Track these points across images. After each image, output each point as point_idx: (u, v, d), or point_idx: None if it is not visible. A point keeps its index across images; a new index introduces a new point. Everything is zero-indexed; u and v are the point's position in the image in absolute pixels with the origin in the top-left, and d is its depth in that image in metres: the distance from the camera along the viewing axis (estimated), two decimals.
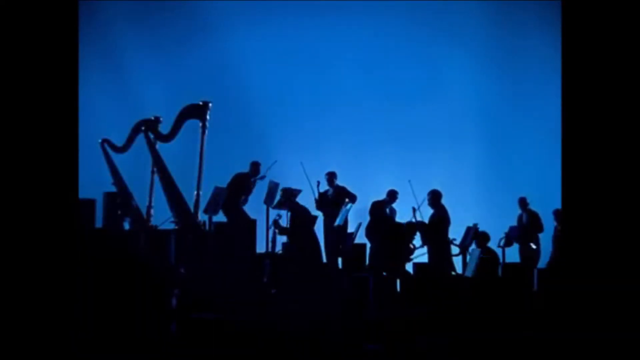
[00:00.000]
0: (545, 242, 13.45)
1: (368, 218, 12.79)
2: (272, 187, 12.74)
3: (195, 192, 12.55)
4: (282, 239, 12.50)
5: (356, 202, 12.71)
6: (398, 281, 11.16)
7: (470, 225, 12.53)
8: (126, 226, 11.75)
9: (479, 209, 13.03)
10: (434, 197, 12.56)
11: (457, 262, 12.43)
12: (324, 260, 12.42)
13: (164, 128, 12.93)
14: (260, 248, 12.31)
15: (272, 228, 12.37)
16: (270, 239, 12.42)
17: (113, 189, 12.61)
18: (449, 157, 16.06)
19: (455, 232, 12.61)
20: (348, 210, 12.45)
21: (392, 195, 12.86)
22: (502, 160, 16.18)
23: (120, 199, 10.89)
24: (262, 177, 12.90)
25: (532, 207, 13.56)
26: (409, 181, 12.53)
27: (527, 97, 15.66)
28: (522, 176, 15.80)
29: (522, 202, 13.55)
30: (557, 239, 13.11)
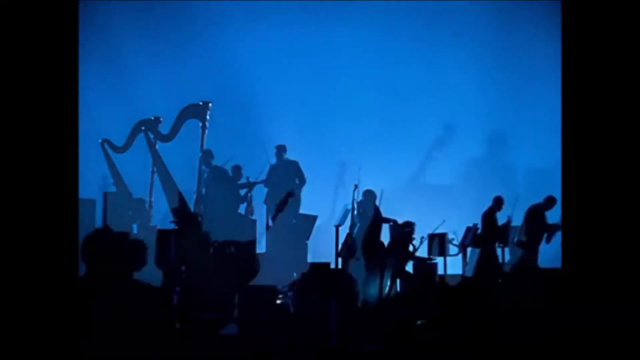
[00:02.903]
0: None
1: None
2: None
3: (195, 192, 12.55)
4: None
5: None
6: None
7: (470, 225, 12.53)
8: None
9: (479, 208, 12.99)
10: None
11: (457, 261, 12.43)
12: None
13: (164, 128, 12.95)
14: (260, 248, 12.33)
15: None
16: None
17: (113, 189, 12.65)
18: (448, 157, 16.06)
19: (455, 232, 12.62)
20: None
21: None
22: (502, 160, 16.18)
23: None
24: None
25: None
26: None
27: (527, 96, 15.65)
28: (522, 176, 15.81)
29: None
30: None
